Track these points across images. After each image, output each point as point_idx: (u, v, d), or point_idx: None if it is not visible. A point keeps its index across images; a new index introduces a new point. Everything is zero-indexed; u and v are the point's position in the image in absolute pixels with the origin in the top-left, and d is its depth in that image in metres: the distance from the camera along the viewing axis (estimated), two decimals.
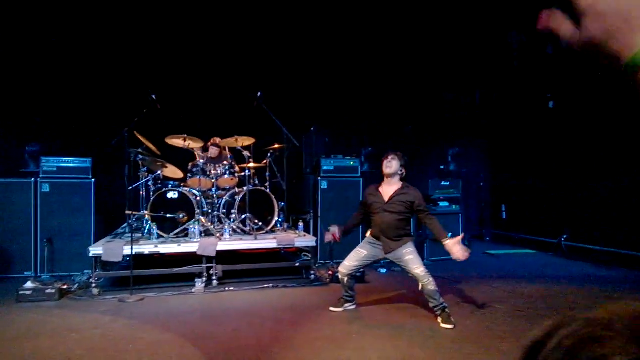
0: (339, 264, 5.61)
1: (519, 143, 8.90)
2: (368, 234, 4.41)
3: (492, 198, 9.77)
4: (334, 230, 4.39)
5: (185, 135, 6.11)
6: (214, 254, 5.30)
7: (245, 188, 5.99)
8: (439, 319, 4.00)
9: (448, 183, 7.61)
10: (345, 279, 4.34)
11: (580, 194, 7.34)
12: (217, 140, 6.60)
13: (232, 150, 6.68)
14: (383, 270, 6.26)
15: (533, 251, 8.03)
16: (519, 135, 8.91)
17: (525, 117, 8.66)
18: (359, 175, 7.06)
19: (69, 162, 6.10)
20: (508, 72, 8.82)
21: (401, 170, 4.20)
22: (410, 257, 4.09)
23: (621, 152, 6.60)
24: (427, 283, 3.99)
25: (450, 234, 4.11)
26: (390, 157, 4.21)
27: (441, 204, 7.25)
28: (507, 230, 9.16)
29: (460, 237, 4.03)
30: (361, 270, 4.77)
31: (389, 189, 4.23)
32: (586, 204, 7.19)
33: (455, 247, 3.90)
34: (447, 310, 4.03)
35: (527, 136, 8.64)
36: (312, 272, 5.70)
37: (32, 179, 5.93)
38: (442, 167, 8.75)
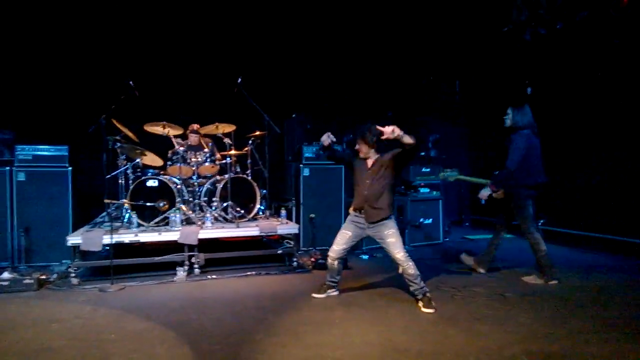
0: (321, 250, 5.67)
1: (497, 129, 8.98)
2: (350, 209, 4.44)
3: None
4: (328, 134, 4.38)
5: (165, 122, 6.03)
6: (195, 242, 5.27)
7: (226, 176, 5.95)
8: (420, 303, 4.07)
9: (429, 169, 7.68)
10: (335, 262, 4.39)
11: (557, 180, 7.48)
12: (196, 126, 6.53)
13: (213, 137, 6.61)
14: (365, 257, 6.32)
15: (511, 235, 8.16)
16: (497, 121, 8.98)
17: (504, 103, 8.74)
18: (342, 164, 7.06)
19: (44, 150, 5.96)
20: (487, 59, 8.90)
21: (373, 144, 4.23)
22: (391, 240, 4.15)
23: (597, 139, 6.74)
24: (408, 267, 4.07)
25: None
26: (359, 145, 4.28)
27: (422, 189, 7.33)
28: (486, 216, 9.30)
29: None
30: (344, 255, 4.80)
31: (370, 159, 4.32)
32: (563, 190, 7.34)
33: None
34: (427, 294, 4.11)
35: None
36: (294, 259, 5.72)
37: (7, 168, 5.79)
38: (422, 153, 8.81)
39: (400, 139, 3.95)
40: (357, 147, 4.30)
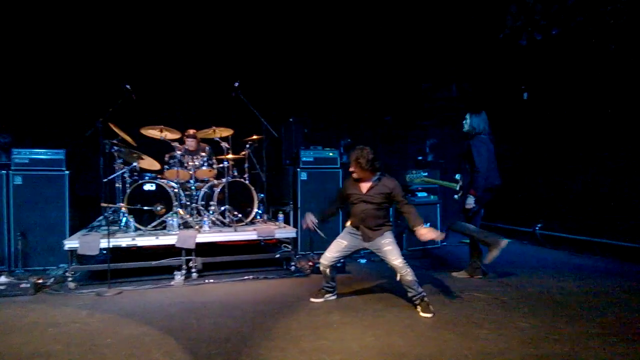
0: (319, 255, 5.65)
1: (494, 133, 9.02)
2: (348, 223, 4.45)
3: (468, 187, 9.89)
4: (310, 218, 4.40)
5: (162, 126, 6.02)
6: (193, 246, 5.26)
7: (224, 180, 5.95)
8: (418, 308, 4.06)
9: (426, 174, 7.68)
10: (327, 270, 4.37)
11: (554, 184, 7.52)
12: (192, 131, 6.52)
13: (211, 141, 6.61)
14: (363, 261, 6.31)
15: (509, 240, 8.16)
16: (494, 125, 9.02)
17: (500, 108, 8.78)
18: (339, 166, 7.07)
19: (41, 154, 5.94)
20: (484, 64, 8.94)
21: (370, 167, 4.15)
22: (388, 248, 4.15)
23: (594, 143, 6.76)
24: (406, 274, 4.06)
25: (428, 224, 4.16)
26: (353, 168, 4.20)
27: (419, 194, 7.32)
28: (483, 220, 9.28)
29: (434, 229, 4.09)
30: (342, 260, 4.80)
31: (366, 181, 4.25)
32: (560, 194, 7.37)
33: (425, 230, 4.01)
34: (425, 299, 4.10)
35: (502, 127, 8.75)
36: (292, 264, 5.71)
37: (4, 172, 5.76)
38: (420, 157, 8.83)
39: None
40: (350, 169, 4.24)
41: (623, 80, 6.24)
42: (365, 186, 4.24)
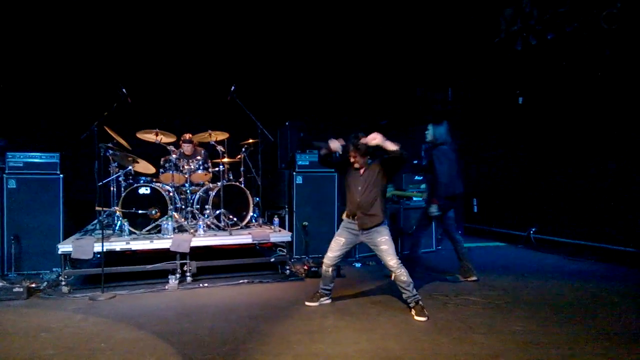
0: (314, 259, 5.66)
1: (489, 138, 9.08)
2: (344, 216, 4.46)
3: (463, 192, 9.92)
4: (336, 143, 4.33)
5: (157, 130, 6.01)
6: (187, 250, 5.24)
7: (219, 183, 5.94)
8: (413, 312, 4.07)
9: (421, 177, 7.69)
10: (329, 269, 4.41)
11: (548, 189, 7.55)
12: (188, 136, 6.51)
13: (206, 145, 6.60)
14: (358, 265, 6.31)
15: (503, 244, 8.22)
16: (489, 130, 9.08)
17: (496, 113, 8.84)
18: (334, 170, 7.07)
19: (36, 157, 5.92)
20: (479, 69, 8.98)
21: (367, 152, 4.21)
22: (385, 247, 4.17)
23: (589, 148, 6.80)
24: (400, 274, 4.09)
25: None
26: (354, 156, 4.24)
27: (415, 198, 7.33)
28: (479, 224, 9.34)
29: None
30: (338, 263, 4.79)
31: (362, 167, 4.32)
32: (554, 198, 7.40)
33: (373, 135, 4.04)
34: (420, 302, 4.11)
35: (498, 132, 8.81)
36: (287, 267, 5.70)
37: None
38: (415, 161, 8.83)
39: (382, 146, 4.00)
40: (351, 159, 4.27)
41: (618, 85, 6.28)
42: (361, 171, 4.31)
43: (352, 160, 4.28)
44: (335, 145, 4.29)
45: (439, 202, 5.28)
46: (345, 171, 4.41)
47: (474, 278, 5.37)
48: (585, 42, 6.63)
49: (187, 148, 6.46)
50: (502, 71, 8.47)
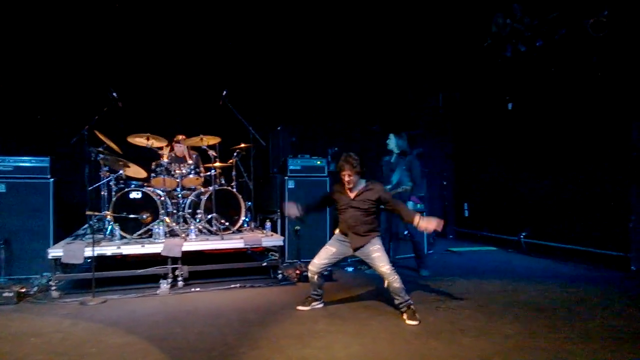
0: (306, 263, 5.65)
1: (480, 143, 9.15)
2: (337, 231, 4.47)
3: (455, 197, 10.01)
4: (294, 208, 4.46)
5: (149, 134, 5.99)
6: (179, 254, 5.23)
7: (211, 188, 5.93)
8: (404, 316, 4.08)
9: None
10: (315, 277, 4.38)
11: (539, 193, 7.61)
12: (181, 137, 6.50)
13: (198, 149, 6.60)
14: (350, 269, 6.32)
15: (494, 248, 8.27)
16: (480, 135, 9.16)
17: (486, 118, 8.92)
18: (326, 174, 7.10)
19: (26, 161, 5.89)
20: (469, 75, 9.06)
21: (359, 174, 4.21)
22: (377, 255, 4.18)
23: (578, 153, 6.87)
24: (393, 280, 4.09)
25: (424, 214, 4.25)
26: (346, 175, 4.20)
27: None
28: (470, 228, 9.40)
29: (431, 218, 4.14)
30: (329, 269, 4.81)
31: (354, 188, 4.29)
32: (545, 203, 7.46)
33: (424, 222, 4.05)
34: (412, 306, 4.12)
35: (488, 137, 8.89)
36: (279, 272, 5.70)
37: None
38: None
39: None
40: (346, 178, 4.21)
41: (606, 91, 6.37)
42: (352, 193, 4.28)
43: (345, 179, 4.22)
44: (293, 211, 4.46)
45: (419, 202, 6.02)
46: (334, 199, 4.40)
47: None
48: (573, 49, 6.73)
49: (179, 149, 6.44)
50: (492, 77, 8.55)
